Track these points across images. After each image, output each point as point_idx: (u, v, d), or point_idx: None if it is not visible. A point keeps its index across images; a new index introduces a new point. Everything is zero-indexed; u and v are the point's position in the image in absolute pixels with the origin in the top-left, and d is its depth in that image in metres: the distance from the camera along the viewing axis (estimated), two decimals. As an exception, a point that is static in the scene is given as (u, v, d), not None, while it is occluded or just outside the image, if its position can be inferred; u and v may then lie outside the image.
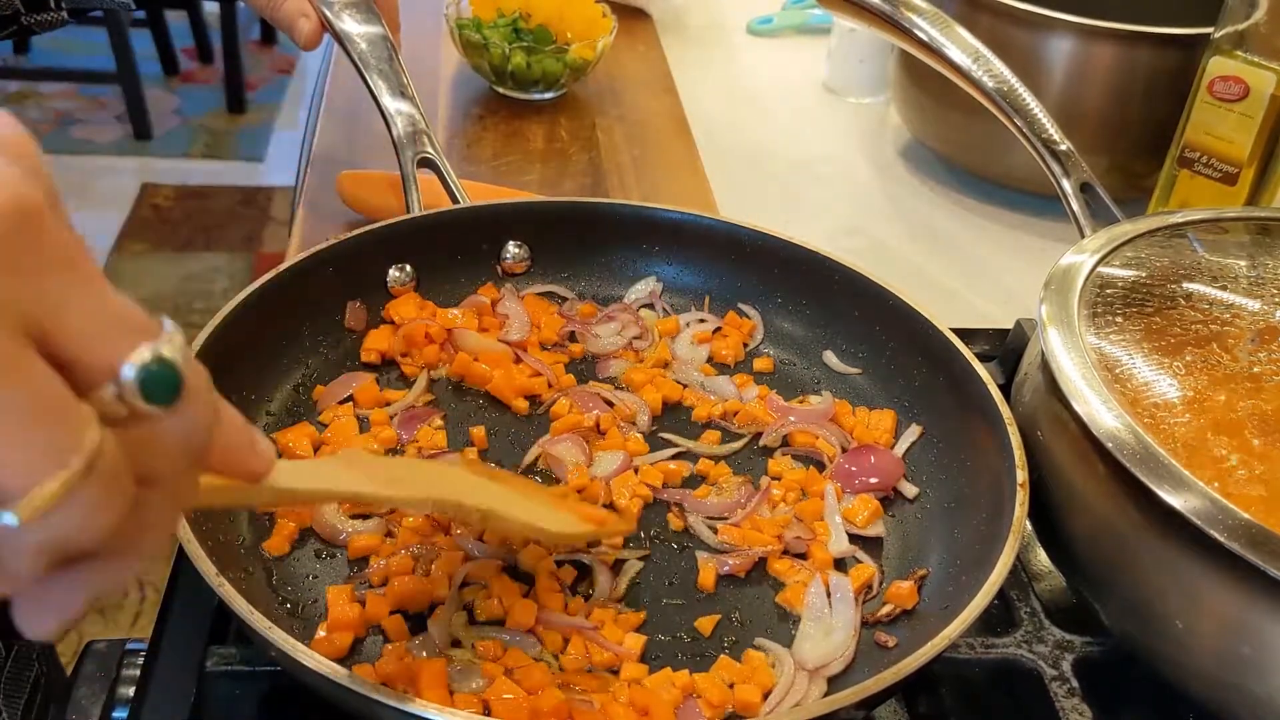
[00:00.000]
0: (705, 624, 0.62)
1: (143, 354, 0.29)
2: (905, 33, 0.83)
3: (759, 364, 0.81)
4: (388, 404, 0.74)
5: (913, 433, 0.74)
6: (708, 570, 0.65)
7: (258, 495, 0.43)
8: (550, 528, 0.56)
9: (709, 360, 0.81)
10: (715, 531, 0.67)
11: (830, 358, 0.80)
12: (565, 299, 0.84)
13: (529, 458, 0.72)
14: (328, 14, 0.88)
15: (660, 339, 0.82)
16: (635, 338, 0.81)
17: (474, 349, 0.77)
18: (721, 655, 0.61)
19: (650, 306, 0.84)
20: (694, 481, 0.71)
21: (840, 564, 0.67)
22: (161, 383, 0.29)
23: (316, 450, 0.69)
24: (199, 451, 0.32)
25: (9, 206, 0.28)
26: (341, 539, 0.64)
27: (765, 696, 0.59)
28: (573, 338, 0.81)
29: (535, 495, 0.61)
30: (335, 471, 0.49)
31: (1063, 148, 0.78)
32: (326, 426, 0.72)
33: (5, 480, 0.27)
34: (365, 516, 0.66)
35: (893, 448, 0.74)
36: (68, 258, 0.29)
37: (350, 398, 0.74)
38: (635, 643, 0.60)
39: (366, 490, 0.49)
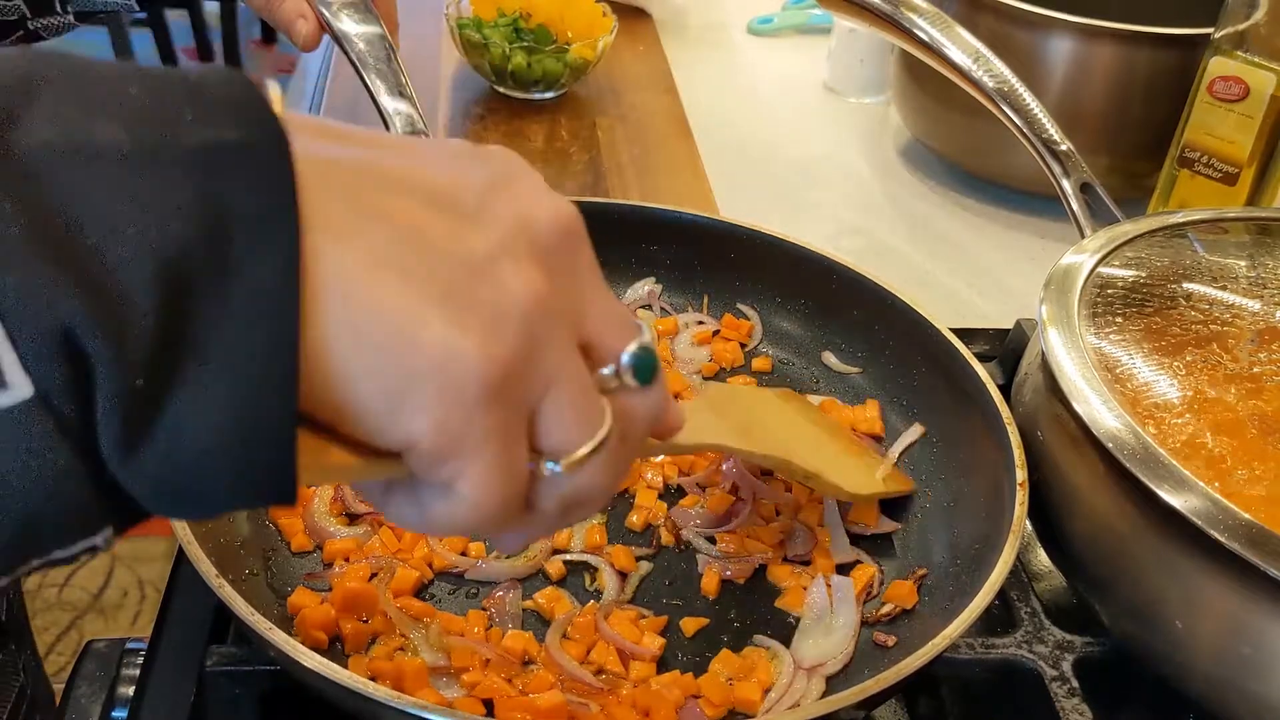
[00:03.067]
0: (705, 625, 0.63)
1: (636, 345, 0.37)
2: (905, 33, 0.83)
3: (757, 364, 0.81)
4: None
5: (914, 432, 0.73)
6: (711, 575, 0.65)
7: (658, 449, 0.52)
8: (851, 489, 0.66)
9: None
10: (713, 541, 0.67)
11: (830, 358, 0.80)
12: None
13: None
14: (326, 14, 0.88)
15: (659, 339, 0.82)
16: None
17: None
18: (722, 650, 0.61)
19: (648, 307, 0.84)
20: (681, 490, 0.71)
21: (842, 565, 0.67)
22: (647, 367, 0.37)
23: None
24: (658, 419, 0.39)
25: (569, 223, 0.37)
26: (324, 541, 0.64)
27: (765, 694, 0.59)
28: None
29: (836, 434, 0.70)
30: (703, 423, 0.57)
31: (1063, 148, 0.78)
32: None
33: (560, 441, 0.35)
34: (354, 517, 0.66)
35: (882, 439, 0.74)
36: (593, 266, 0.37)
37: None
38: (654, 644, 0.60)
39: (722, 442, 0.58)
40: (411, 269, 0.31)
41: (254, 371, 0.28)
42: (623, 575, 0.65)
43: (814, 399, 0.78)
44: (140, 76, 0.29)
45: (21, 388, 0.26)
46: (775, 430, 0.64)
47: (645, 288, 0.85)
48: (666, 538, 0.67)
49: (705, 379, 0.80)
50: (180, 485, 0.29)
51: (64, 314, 0.26)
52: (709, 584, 0.64)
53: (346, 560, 0.63)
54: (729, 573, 0.65)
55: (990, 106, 0.80)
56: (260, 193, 0.28)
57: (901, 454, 0.74)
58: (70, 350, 0.27)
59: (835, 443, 0.70)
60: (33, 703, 0.85)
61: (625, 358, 0.37)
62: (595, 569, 0.65)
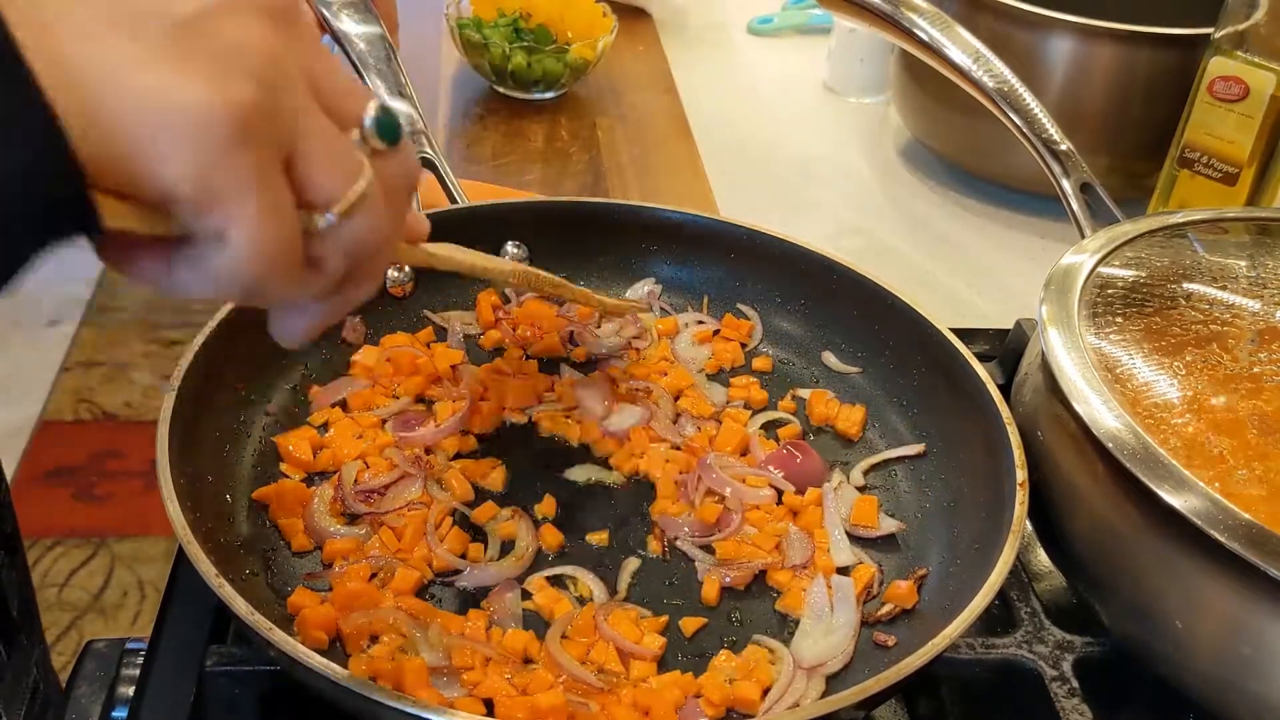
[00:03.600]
0: (705, 624, 0.63)
1: (373, 107, 0.40)
2: (905, 32, 0.83)
3: (758, 363, 0.81)
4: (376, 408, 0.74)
5: (913, 449, 0.73)
6: (711, 584, 0.64)
7: (412, 255, 0.55)
8: (599, 299, 0.76)
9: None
10: (709, 550, 0.67)
11: (830, 358, 0.80)
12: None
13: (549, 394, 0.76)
14: (325, 14, 0.88)
15: (660, 339, 0.82)
16: (634, 338, 0.81)
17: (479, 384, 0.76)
18: (722, 650, 0.61)
19: (648, 309, 0.84)
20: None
21: (842, 567, 0.67)
22: (390, 127, 0.40)
23: (315, 453, 0.69)
24: (413, 184, 0.43)
25: None
26: (325, 541, 0.64)
27: (765, 693, 0.59)
28: (573, 340, 0.81)
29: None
30: (454, 251, 0.62)
31: (1063, 148, 0.78)
32: (321, 428, 0.72)
33: (324, 189, 0.37)
34: (354, 518, 0.66)
35: (854, 442, 0.75)
36: (315, 33, 0.40)
37: (343, 402, 0.74)
38: (655, 643, 0.60)
39: (479, 264, 0.63)
40: (131, 29, 0.33)
41: (17, 130, 0.31)
42: (604, 579, 0.65)
43: (804, 391, 0.78)
44: None
45: None
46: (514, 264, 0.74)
47: (645, 288, 0.85)
48: (655, 546, 0.67)
49: (710, 376, 0.80)
50: None
51: None
52: (709, 592, 0.64)
53: (346, 560, 0.63)
54: (729, 579, 0.65)
55: (990, 106, 0.80)
56: None
57: (899, 459, 0.74)
58: None
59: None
60: (45, 700, 0.85)
61: (367, 120, 0.40)
62: (574, 578, 0.65)
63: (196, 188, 0.34)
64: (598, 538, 0.67)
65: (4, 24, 0.31)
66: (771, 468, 0.72)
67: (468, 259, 0.63)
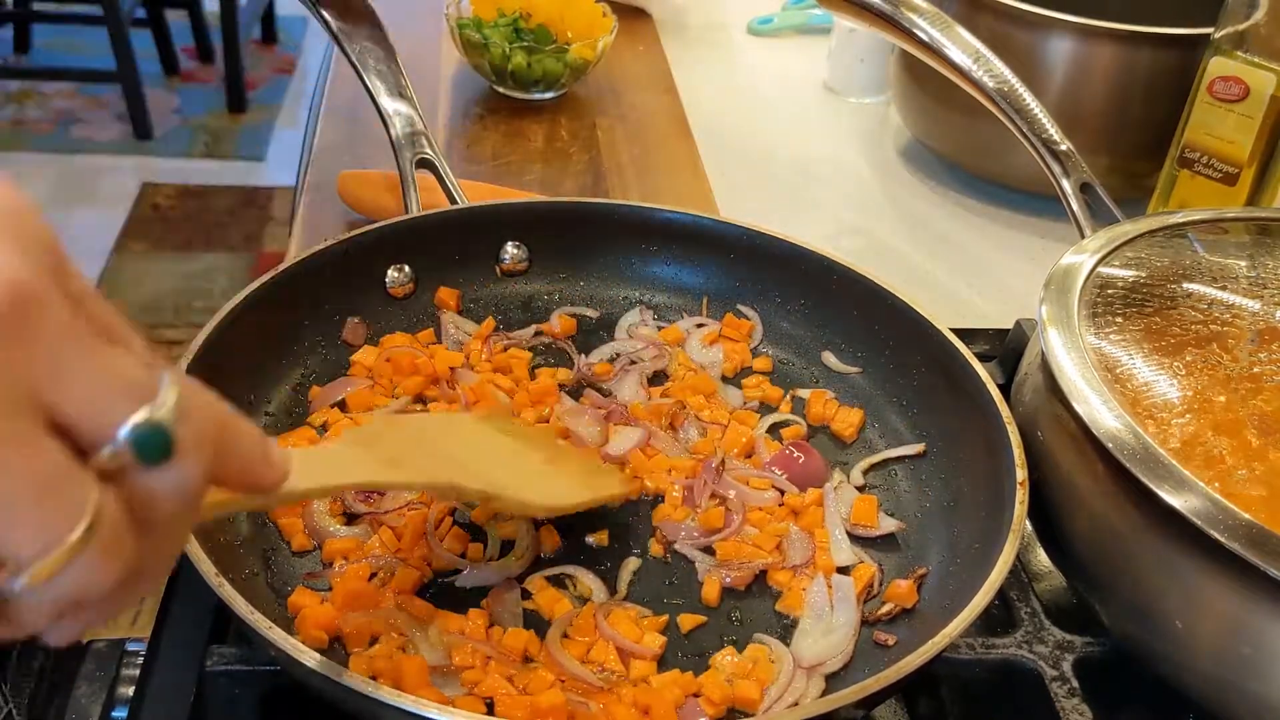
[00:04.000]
0: (705, 624, 0.63)
1: (136, 418, 0.31)
2: (905, 33, 0.83)
3: (758, 363, 0.81)
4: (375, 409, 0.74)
5: (913, 448, 0.73)
6: (711, 584, 0.64)
7: (266, 501, 0.44)
8: (545, 502, 0.61)
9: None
10: (709, 552, 0.67)
11: (830, 358, 0.80)
12: (588, 317, 0.84)
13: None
14: (325, 14, 0.88)
15: (669, 349, 0.81)
16: (654, 357, 0.80)
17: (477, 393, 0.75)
18: (722, 649, 0.61)
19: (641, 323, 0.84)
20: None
21: (842, 567, 0.67)
22: (153, 444, 0.31)
23: None
24: (193, 499, 0.33)
25: (15, 289, 0.29)
26: (324, 540, 0.64)
27: (765, 692, 0.59)
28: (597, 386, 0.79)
29: (541, 446, 0.65)
30: (339, 461, 0.50)
31: (1063, 148, 0.78)
32: (320, 428, 0.72)
33: (15, 551, 0.29)
34: (353, 518, 0.66)
35: (849, 444, 0.75)
36: (68, 332, 0.30)
37: (342, 402, 0.74)
38: (655, 643, 0.60)
39: (366, 479, 0.50)
40: None
41: None
42: (604, 578, 0.64)
43: (804, 392, 0.78)
44: None
45: None
46: (445, 454, 0.58)
47: (636, 316, 0.84)
48: (656, 549, 0.67)
49: (726, 380, 0.80)
50: None
51: None
52: (710, 592, 0.64)
53: (346, 560, 0.63)
54: (729, 580, 0.65)
55: (990, 106, 0.80)
56: None
57: (899, 458, 0.74)
58: None
59: (535, 455, 0.65)
60: (54, 680, 0.85)
61: (123, 435, 0.31)
62: (574, 578, 0.65)
63: None
64: (597, 537, 0.67)
65: None
66: (775, 469, 0.72)
67: (363, 476, 0.50)
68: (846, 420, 0.76)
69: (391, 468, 0.52)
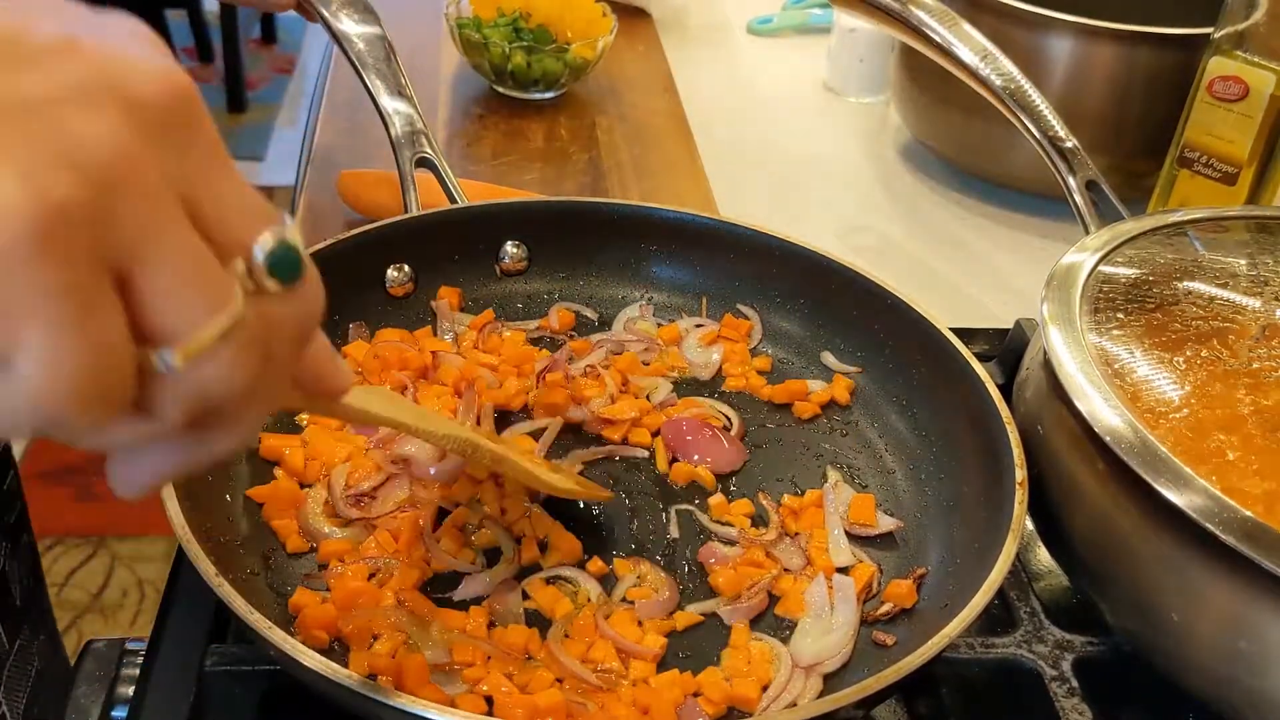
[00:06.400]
0: (705, 625, 0.63)
1: (272, 236, 0.33)
2: (914, 31, 0.83)
3: (757, 363, 0.81)
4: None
5: (889, 523, 0.70)
6: (741, 629, 0.62)
7: (329, 410, 0.49)
8: (547, 479, 0.65)
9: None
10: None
11: (829, 358, 0.80)
12: (587, 316, 0.83)
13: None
14: (325, 13, 0.88)
15: (665, 347, 0.81)
16: (644, 350, 0.80)
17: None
18: (724, 648, 0.61)
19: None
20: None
21: (842, 566, 0.67)
22: (287, 263, 0.33)
23: (304, 464, 0.68)
24: (308, 334, 0.36)
25: (178, 89, 0.32)
26: (320, 542, 0.64)
27: (763, 692, 0.59)
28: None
29: (533, 459, 0.68)
30: (382, 398, 0.55)
31: (1069, 145, 0.78)
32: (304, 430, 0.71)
33: (168, 322, 0.31)
34: (347, 523, 0.65)
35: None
36: (214, 143, 0.33)
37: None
38: (655, 643, 0.60)
39: (405, 420, 0.56)
40: None
41: None
42: (602, 579, 0.64)
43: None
44: None
45: None
46: (459, 428, 0.63)
47: (635, 311, 0.84)
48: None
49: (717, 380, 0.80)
50: None
51: None
52: (739, 640, 0.61)
53: (342, 562, 0.63)
54: (748, 606, 0.63)
55: (997, 104, 0.80)
56: None
57: (901, 456, 0.74)
58: None
59: (527, 455, 0.68)
60: (52, 685, 0.85)
61: (259, 250, 0.33)
62: (573, 581, 0.64)
63: None
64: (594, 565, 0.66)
65: None
66: (696, 455, 0.72)
67: (398, 416, 0.55)
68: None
69: (424, 418, 0.58)
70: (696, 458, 0.72)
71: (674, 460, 0.72)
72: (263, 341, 0.33)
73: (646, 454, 0.73)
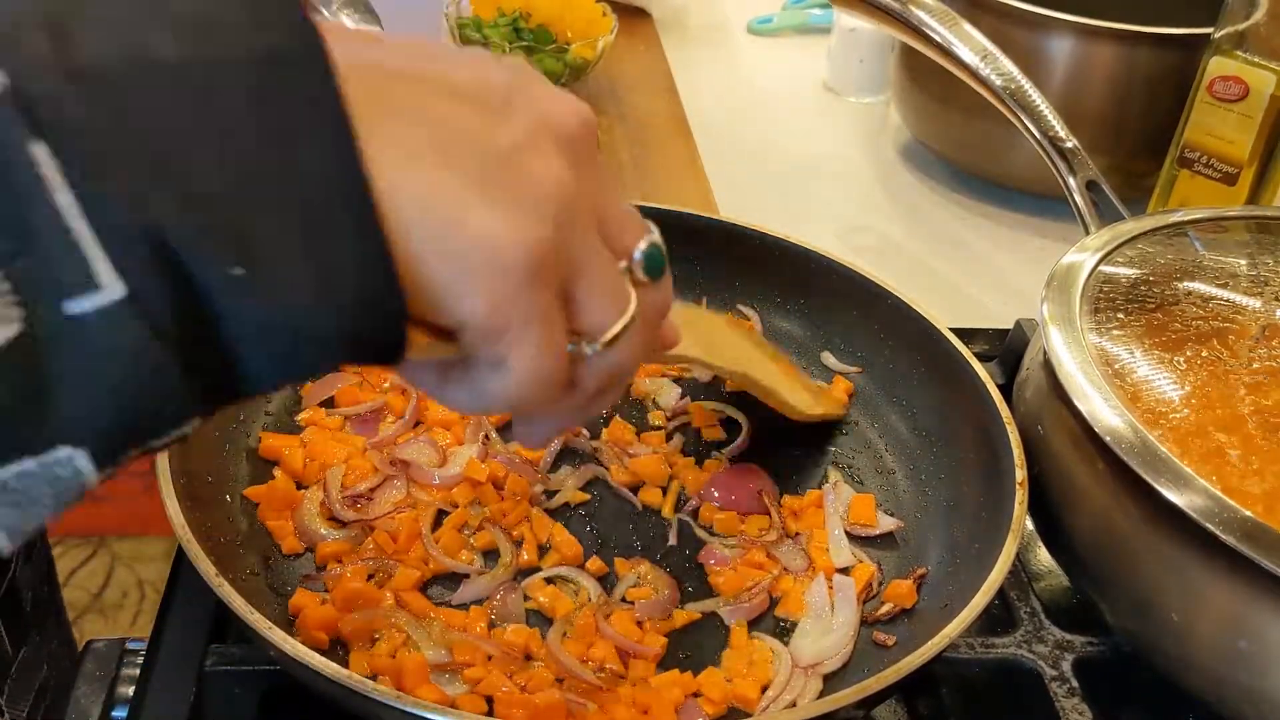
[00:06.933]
0: (704, 624, 0.62)
1: (647, 242, 0.41)
2: (914, 30, 0.83)
3: (759, 363, 0.81)
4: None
5: (889, 524, 0.70)
6: (740, 628, 0.62)
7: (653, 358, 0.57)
8: (802, 408, 0.72)
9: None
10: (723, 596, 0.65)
11: (829, 358, 0.80)
12: None
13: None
14: (325, 13, 0.88)
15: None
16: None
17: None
18: (722, 649, 0.61)
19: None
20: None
21: (843, 567, 0.67)
22: (656, 262, 0.41)
23: (303, 465, 0.68)
24: (666, 312, 0.44)
25: (588, 121, 0.39)
26: (315, 544, 0.64)
27: (763, 692, 0.59)
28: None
29: (778, 358, 0.76)
30: (689, 341, 0.58)
31: (1069, 145, 0.78)
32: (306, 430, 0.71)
33: (595, 320, 0.39)
34: (343, 524, 0.65)
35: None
36: (603, 163, 0.40)
37: (331, 399, 0.73)
38: (656, 643, 0.60)
39: (697, 355, 0.63)
40: (450, 158, 0.34)
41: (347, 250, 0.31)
42: (601, 579, 0.64)
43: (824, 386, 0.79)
44: None
45: (113, 288, 0.28)
46: (734, 349, 0.70)
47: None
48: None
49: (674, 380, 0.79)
50: (294, 335, 0.32)
51: (155, 217, 0.28)
52: (739, 638, 0.62)
53: (340, 563, 0.63)
54: (748, 607, 0.63)
55: (997, 104, 0.80)
56: (314, 102, 0.30)
57: (901, 456, 0.74)
58: (162, 252, 0.29)
59: (779, 365, 0.75)
60: (56, 694, 0.85)
61: (638, 253, 0.40)
62: (573, 582, 0.64)
63: (490, 321, 0.35)
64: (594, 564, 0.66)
65: (356, 151, 0.31)
66: (716, 491, 0.70)
67: (703, 356, 0.64)
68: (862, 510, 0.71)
69: (710, 351, 0.65)
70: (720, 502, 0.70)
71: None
72: (647, 324, 0.41)
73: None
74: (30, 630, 0.83)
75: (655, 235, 0.42)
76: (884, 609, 0.64)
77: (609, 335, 0.39)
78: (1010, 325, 0.80)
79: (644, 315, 0.41)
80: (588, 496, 0.69)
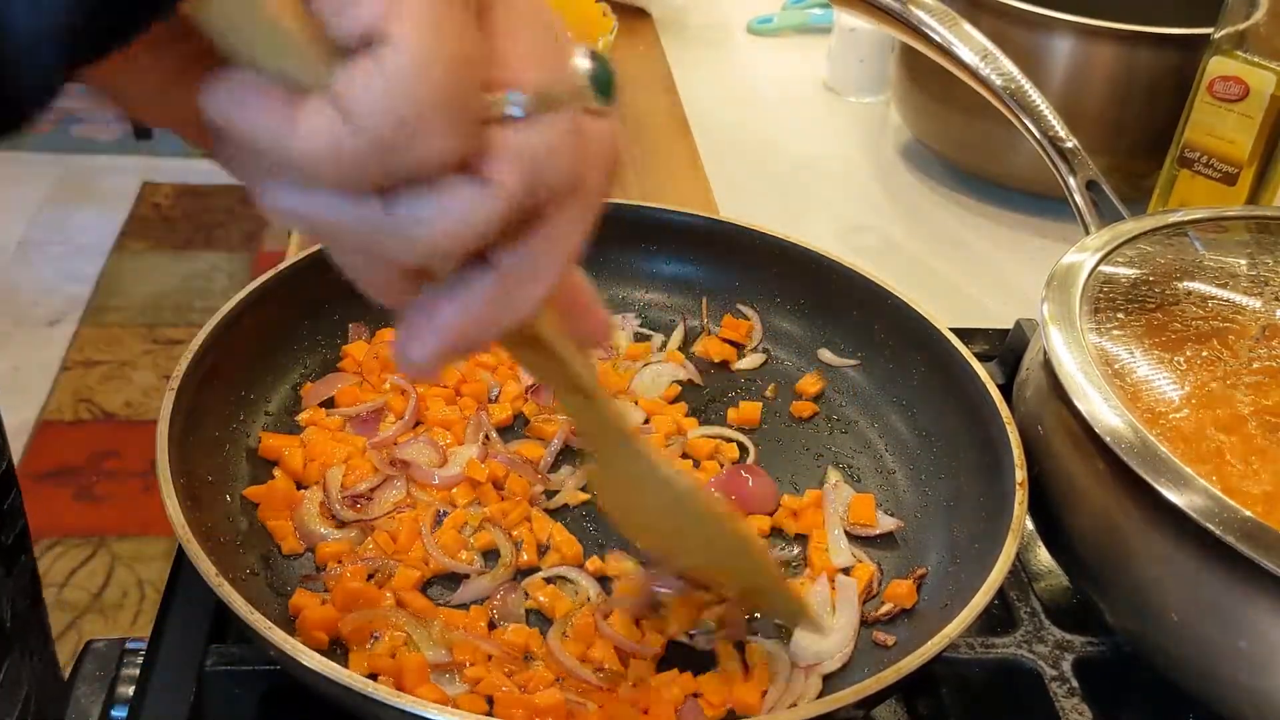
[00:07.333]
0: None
1: (591, 58, 0.34)
2: (914, 30, 0.83)
3: (756, 361, 0.81)
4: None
5: (889, 524, 0.69)
6: (726, 647, 0.61)
7: (578, 373, 0.44)
8: (808, 612, 0.61)
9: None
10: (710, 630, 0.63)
11: (825, 354, 0.80)
12: None
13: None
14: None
15: (629, 364, 0.80)
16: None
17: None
18: (723, 649, 0.61)
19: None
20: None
21: (843, 568, 0.67)
22: (604, 78, 0.34)
23: (303, 465, 0.68)
24: (612, 164, 0.36)
25: None
26: (315, 544, 0.64)
27: (764, 693, 0.59)
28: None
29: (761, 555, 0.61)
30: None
31: (1069, 145, 0.78)
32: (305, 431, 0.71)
33: (516, 72, 0.32)
34: (342, 525, 0.65)
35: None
36: None
37: (331, 399, 0.73)
38: (655, 643, 0.60)
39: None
40: None
41: None
42: (601, 580, 0.64)
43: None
44: None
45: None
46: (711, 542, 0.58)
47: (626, 323, 0.83)
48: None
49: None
50: None
51: None
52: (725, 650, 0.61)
53: (340, 563, 0.63)
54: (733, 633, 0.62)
55: (997, 104, 0.80)
56: None
57: (901, 456, 0.74)
58: None
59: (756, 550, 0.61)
60: (40, 707, 0.84)
61: (582, 60, 0.34)
62: (573, 582, 0.64)
63: None
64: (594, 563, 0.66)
65: None
66: (716, 492, 0.70)
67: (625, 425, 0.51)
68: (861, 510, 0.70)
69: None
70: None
71: None
72: (582, 144, 0.33)
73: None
74: (12, 646, 0.81)
75: (608, 60, 0.35)
76: (884, 609, 0.63)
77: (537, 96, 0.32)
78: (1010, 325, 0.80)
79: (583, 136, 0.33)
80: (588, 496, 0.69)
